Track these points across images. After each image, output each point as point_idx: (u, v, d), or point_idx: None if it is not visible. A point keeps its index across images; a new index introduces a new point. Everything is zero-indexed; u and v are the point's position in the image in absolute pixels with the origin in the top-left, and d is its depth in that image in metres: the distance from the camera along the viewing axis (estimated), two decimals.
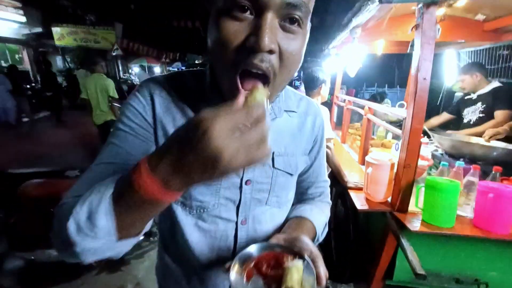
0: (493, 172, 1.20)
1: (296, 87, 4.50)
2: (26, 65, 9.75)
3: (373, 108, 1.79)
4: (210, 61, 0.47)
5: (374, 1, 1.04)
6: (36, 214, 1.59)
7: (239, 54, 0.37)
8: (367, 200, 1.37)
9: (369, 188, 1.33)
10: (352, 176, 1.68)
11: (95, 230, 0.31)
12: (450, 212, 1.10)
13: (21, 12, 8.31)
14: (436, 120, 2.48)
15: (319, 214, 0.62)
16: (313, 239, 0.57)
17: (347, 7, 1.66)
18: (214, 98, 0.48)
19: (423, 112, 1.13)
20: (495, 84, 2.06)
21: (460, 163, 1.23)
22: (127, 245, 0.34)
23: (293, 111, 0.58)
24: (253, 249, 0.44)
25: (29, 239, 1.59)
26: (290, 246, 0.44)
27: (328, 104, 3.33)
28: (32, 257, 1.56)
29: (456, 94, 5.09)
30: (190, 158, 0.27)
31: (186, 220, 0.51)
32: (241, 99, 0.30)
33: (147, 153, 0.46)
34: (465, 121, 2.21)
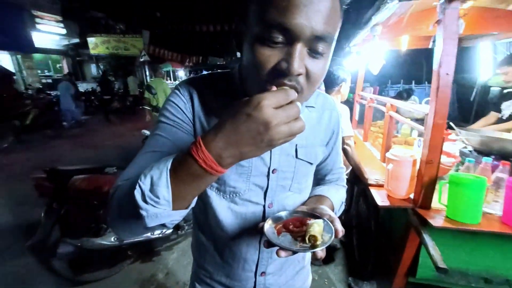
0: None
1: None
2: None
3: (396, 105, 1.77)
4: (241, 70, 0.55)
5: None
6: (82, 206, 1.79)
7: (272, 75, 0.43)
8: (388, 196, 1.38)
9: (390, 184, 1.34)
10: (373, 173, 1.68)
11: (157, 199, 0.38)
12: (475, 208, 1.08)
13: (62, 25, 9.12)
14: (483, 123, 2.16)
15: (335, 193, 0.69)
16: None
17: (367, 4, 1.66)
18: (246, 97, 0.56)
19: (446, 107, 1.12)
20: None
21: (487, 159, 1.20)
22: (179, 215, 0.41)
23: (312, 106, 0.64)
24: (282, 214, 0.54)
25: (77, 228, 1.80)
26: (312, 212, 0.53)
27: (349, 102, 3.30)
28: (79, 244, 1.76)
29: (492, 89, 4.73)
30: (243, 129, 0.35)
31: (220, 204, 0.59)
32: (274, 88, 0.39)
33: (189, 143, 0.55)
34: (499, 115, 2.07)
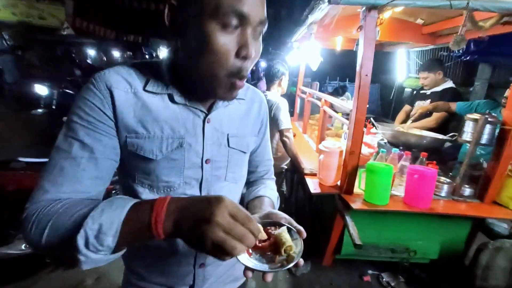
0: (421, 157, 1.41)
1: (259, 79, 4.55)
2: None
3: (329, 101, 1.94)
4: (178, 57, 0.52)
5: (324, 1, 1.14)
6: None
7: (234, 61, 0.46)
8: (320, 184, 1.52)
9: (321, 173, 1.47)
10: (309, 163, 1.82)
11: (100, 247, 0.38)
12: (384, 192, 1.28)
13: None
14: (402, 114, 2.51)
15: (271, 190, 0.74)
16: None
17: (306, 3, 1.75)
18: (176, 88, 0.54)
19: (365, 104, 1.28)
20: (448, 84, 2.14)
21: (395, 150, 1.43)
22: (114, 257, 0.42)
23: (242, 99, 0.66)
24: None
25: None
26: (268, 220, 0.52)
27: (293, 95, 3.47)
28: None
29: (406, 89, 5.64)
30: (196, 230, 0.37)
31: None
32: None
33: (109, 146, 0.51)
34: (412, 112, 2.34)
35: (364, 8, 1.13)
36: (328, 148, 1.41)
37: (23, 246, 1.55)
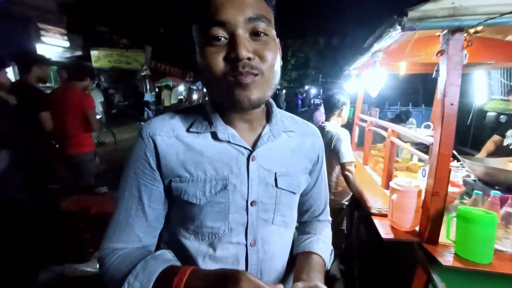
0: None
1: (317, 106, 4.47)
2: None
3: (397, 131, 1.74)
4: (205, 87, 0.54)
5: (396, 28, 1.05)
6: (68, 229, 1.68)
7: (226, 67, 0.45)
8: (392, 228, 1.31)
9: (395, 215, 1.27)
10: (375, 201, 1.61)
11: None
12: (487, 247, 1.01)
13: (66, 38, 9.29)
14: (490, 145, 2.12)
15: (324, 243, 0.65)
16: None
17: (368, 30, 1.68)
18: (219, 125, 0.53)
19: (452, 138, 1.08)
20: None
21: (496, 193, 1.15)
22: None
23: (292, 131, 0.61)
24: None
25: (62, 253, 1.67)
26: None
27: (349, 123, 3.28)
28: (62, 272, 1.63)
29: (488, 113, 4.80)
30: None
31: (198, 250, 0.54)
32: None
33: (155, 195, 0.54)
34: (504, 143, 1.99)
35: (445, 31, 1.01)
36: (402, 186, 1.22)
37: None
